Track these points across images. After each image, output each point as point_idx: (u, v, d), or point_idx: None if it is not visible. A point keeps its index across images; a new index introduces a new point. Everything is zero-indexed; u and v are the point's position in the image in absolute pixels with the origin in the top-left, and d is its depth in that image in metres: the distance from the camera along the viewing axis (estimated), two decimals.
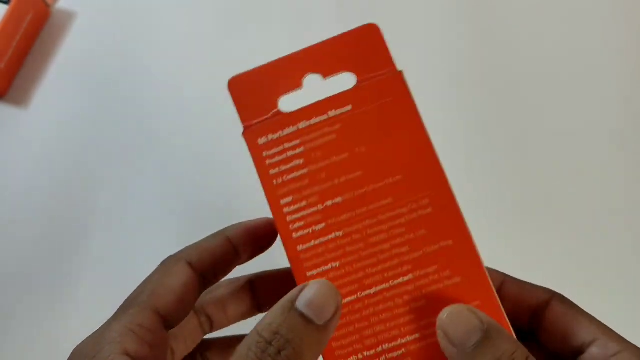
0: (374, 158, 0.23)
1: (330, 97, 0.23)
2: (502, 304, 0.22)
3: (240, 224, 0.26)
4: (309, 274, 0.22)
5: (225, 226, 0.25)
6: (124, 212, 0.44)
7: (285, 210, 0.23)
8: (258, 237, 0.25)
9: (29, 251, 0.44)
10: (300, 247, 0.23)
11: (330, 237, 0.23)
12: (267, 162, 0.23)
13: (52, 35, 0.50)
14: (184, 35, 0.50)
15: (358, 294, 0.22)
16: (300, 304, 0.20)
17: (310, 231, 0.23)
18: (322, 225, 0.23)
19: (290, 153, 0.23)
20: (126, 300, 0.23)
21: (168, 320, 0.23)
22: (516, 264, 0.28)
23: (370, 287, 0.22)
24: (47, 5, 0.50)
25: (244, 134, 0.24)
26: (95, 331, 0.21)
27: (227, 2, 0.51)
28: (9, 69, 0.48)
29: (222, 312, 0.27)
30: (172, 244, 0.42)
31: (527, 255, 0.42)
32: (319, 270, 0.22)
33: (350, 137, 0.23)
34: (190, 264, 0.24)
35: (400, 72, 0.23)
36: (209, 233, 0.25)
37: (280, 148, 0.23)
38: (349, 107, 0.23)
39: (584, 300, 0.24)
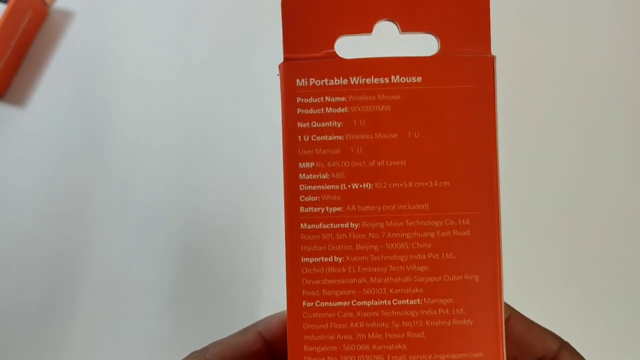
0: (426, 150, 0.18)
1: (400, 59, 0.19)
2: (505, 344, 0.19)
3: (273, 316, 0.22)
4: (304, 259, 0.18)
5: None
6: (123, 211, 0.43)
7: (302, 176, 0.18)
8: None
9: (27, 251, 0.42)
10: (303, 226, 0.18)
11: (342, 225, 0.18)
12: (299, 110, 0.18)
13: (50, 35, 0.48)
14: (183, 35, 0.47)
15: (352, 301, 0.18)
16: None
17: (322, 211, 0.18)
18: (338, 209, 0.18)
19: (329, 110, 0.18)
20: None
21: None
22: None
23: (368, 298, 0.18)
24: (46, 5, 0.48)
25: (282, 66, 0.19)
26: None
27: (228, 2, 0.48)
28: (8, 69, 0.46)
29: None
30: (174, 243, 0.40)
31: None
32: (317, 259, 0.18)
33: (407, 116, 0.18)
34: None
35: (493, 58, 0.19)
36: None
37: (320, 100, 0.18)
38: (418, 79, 0.18)
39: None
